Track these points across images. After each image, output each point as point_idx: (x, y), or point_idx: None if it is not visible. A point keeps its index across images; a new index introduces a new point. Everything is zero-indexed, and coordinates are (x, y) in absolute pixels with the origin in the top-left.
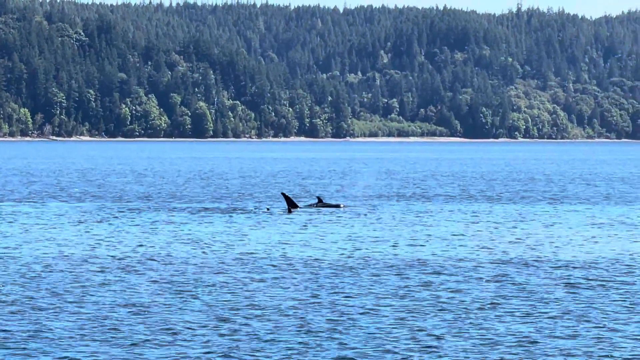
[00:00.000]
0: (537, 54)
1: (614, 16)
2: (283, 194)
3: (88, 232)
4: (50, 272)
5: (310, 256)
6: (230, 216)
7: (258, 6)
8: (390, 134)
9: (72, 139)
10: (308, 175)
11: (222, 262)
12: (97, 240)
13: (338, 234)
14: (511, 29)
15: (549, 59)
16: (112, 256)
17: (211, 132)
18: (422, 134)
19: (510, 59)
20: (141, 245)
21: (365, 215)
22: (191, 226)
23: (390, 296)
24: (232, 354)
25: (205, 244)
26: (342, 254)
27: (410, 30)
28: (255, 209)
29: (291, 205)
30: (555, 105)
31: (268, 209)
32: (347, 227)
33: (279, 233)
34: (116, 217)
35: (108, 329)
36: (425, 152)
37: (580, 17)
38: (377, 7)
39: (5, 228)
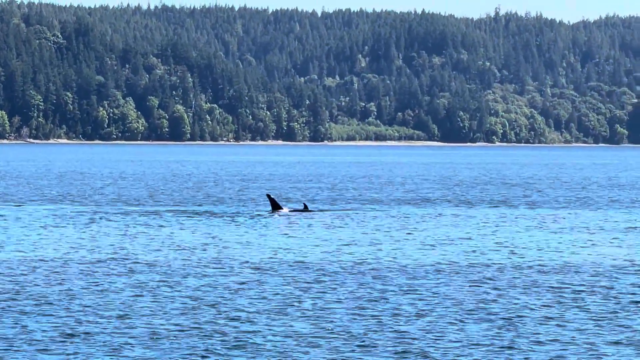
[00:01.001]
0: (514, 59)
1: (592, 21)
2: (268, 196)
3: (68, 235)
4: (27, 275)
5: (292, 260)
6: (211, 219)
7: (236, 9)
8: (367, 138)
9: (49, 141)
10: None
11: (205, 265)
12: (75, 243)
13: (316, 237)
14: (489, 33)
15: (526, 63)
16: (89, 260)
17: (188, 136)
18: (399, 138)
19: (488, 64)
20: (117, 248)
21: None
22: (173, 229)
23: (371, 300)
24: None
25: (189, 247)
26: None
27: (388, 34)
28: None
29: (275, 207)
30: (532, 109)
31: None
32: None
33: (261, 236)
34: (92, 221)
35: (87, 332)
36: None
37: (558, 21)
38: (355, 10)
39: None
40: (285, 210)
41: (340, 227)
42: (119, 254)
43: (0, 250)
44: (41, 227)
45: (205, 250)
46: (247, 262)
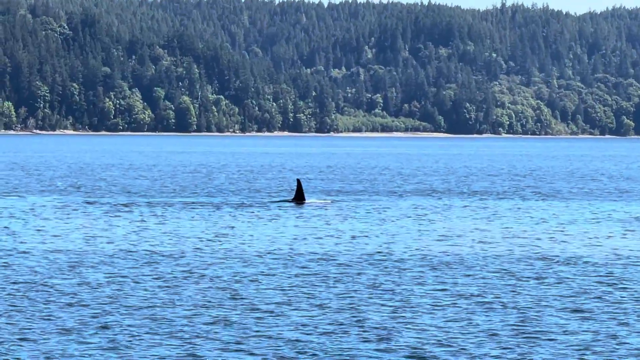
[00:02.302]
0: (521, 50)
1: (599, 12)
2: (298, 181)
3: (81, 226)
4: (33, 267)
5: (316, 251)
6: (233, 209)
7: (242, 1)
8: (374, 129)
9: (55, 132)
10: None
11: (229, 257)
12: (90, 235)
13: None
14: (495, 24)
15: (533, 55)
16: (106, 251)
17: (195, 127)
18: (405, 130)
19: (494, 55)
20: (128, 241)
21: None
22: (192, 221)
23: (380, 292)
24: (222, 349)
25: (206, 239)
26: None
27: (394, 25)
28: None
29: (300, 195)
30: (539, 101)
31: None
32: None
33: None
34: (106, 212)
35: (100, 326)
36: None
37: (564, 13)
38: (362, 2)
39: None
40: (311, 200)
41: (359, 218)
42: (140, 246)
43: (20, 242)
44: (63, 217)
45: (231, 241)
46: (268, 252)
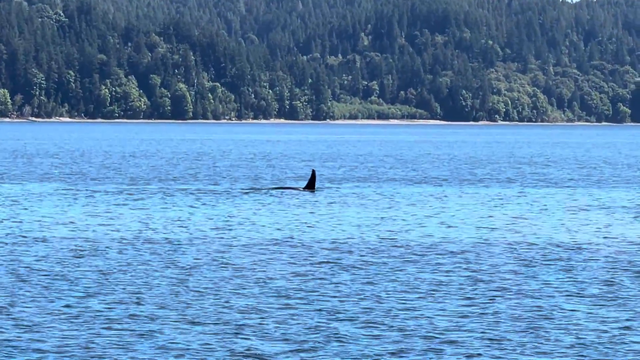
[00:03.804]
0: (517, 37)
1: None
2: (313, 172)
3: (92, 214)
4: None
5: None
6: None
7: None
8: (370, 117)
9: (51, 120)
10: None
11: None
12: (98, 223)
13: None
14: (492, 11)
15: (529, 42)
16: (111, 238)
17: (191, 114)
18: (402, 117)
19: (490, 42)
20: (134, 228)
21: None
22: (201, 208)
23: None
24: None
25: (231, 225)
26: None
27: (390, 12)
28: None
29: (311, 186)
30: (535, 88)
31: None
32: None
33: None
34: (108, 200)
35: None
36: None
37: (560, 0)
38: None
39: None
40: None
41: (369, 206)
42: (157, 233)
43: (31, 229)
44: (82, 205)
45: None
46: (289, 239)
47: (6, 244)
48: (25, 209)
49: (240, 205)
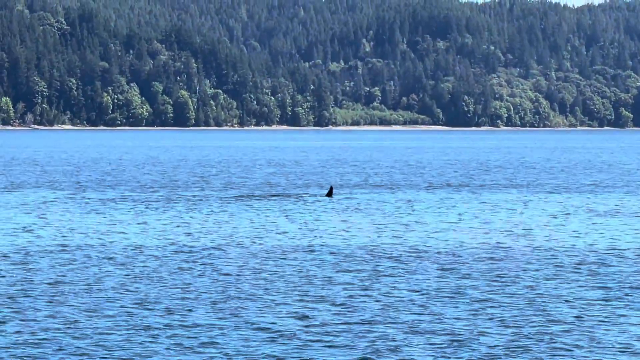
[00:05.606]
0: (519, 42)
1: (597, 4)
2: (331, 188)
3: (112, 222)
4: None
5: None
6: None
7: None
8: (372, 123)
9: (54, 127)
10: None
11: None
12: (113, 230)
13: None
14: (493, 17)
15: (531, 47)
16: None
17: (193, 121)
18: (404, 123)
19: (492, 48)
20: (134, 234)
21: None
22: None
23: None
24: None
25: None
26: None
27: (392, 18)
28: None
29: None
30: (537, 93)
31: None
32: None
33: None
34: (116, 207)
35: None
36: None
37: (562, 5)
38: None
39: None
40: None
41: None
42: (175, 240)
43: (43, 237)
44: (96, 213)
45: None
46: (320, 245)
47: (50, 252)
48: (88, 215)
49: (264, 211)
